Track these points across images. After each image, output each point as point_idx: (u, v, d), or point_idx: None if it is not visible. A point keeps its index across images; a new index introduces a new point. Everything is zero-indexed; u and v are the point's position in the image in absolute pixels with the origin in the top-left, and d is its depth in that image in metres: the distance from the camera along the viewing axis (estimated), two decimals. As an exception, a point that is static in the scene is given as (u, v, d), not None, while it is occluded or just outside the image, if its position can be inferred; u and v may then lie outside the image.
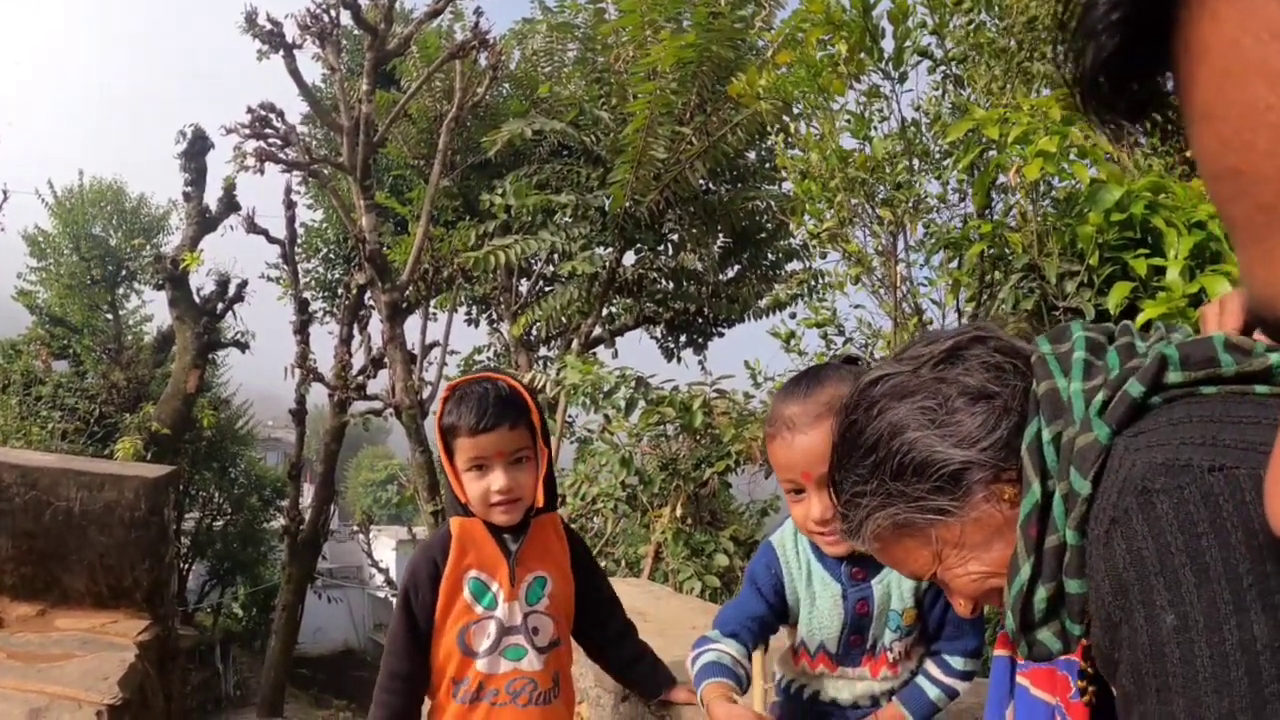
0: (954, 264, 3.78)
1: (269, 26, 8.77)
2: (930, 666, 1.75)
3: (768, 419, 1.64)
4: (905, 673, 1.76)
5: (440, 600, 2.03)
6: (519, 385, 2.07)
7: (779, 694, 1.89)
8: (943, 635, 1.75)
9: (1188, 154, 4.81)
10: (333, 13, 8.90)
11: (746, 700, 1.72)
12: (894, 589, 1.71)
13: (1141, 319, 2.63)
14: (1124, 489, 0.79)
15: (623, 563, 6.56)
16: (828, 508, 1.45)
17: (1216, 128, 0.39)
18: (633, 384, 5.57)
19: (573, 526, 7.04)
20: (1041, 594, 0.92)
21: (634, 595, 3.42)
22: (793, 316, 6.38)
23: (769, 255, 9.93)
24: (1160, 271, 2.81)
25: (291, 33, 8.84)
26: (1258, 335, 0.97)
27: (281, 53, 8.84)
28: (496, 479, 1.97)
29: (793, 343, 5.38)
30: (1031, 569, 0.92)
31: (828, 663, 1.76)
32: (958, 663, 1.73)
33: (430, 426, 9.17)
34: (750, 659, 1.76)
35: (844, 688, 1.77)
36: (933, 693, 1.72)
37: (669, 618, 3.11)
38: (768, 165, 9.59)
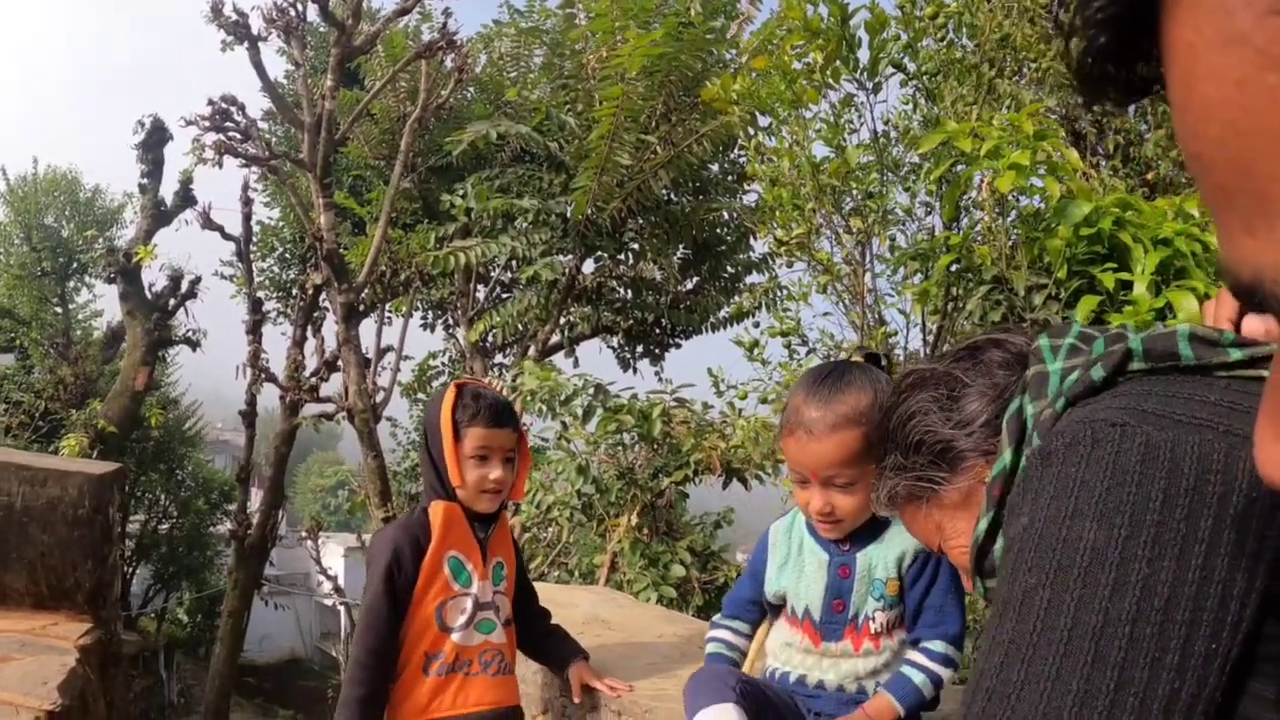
0: (917, 277, 3.79)
1: (235, 17, 8.64)
2: (913, 654, 1.78)
3: (786, 410, 1.74)
4: (886, 651, 1.80)
5: (421, 577, 2.22)
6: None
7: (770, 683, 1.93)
8: (923, 621, 1.79)
9: (1148, 177, 4.88)
10: (299, 7, 8.79)
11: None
12: (877, 559, 1.79)
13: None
14: (1044, 436, 0.92)
15: (576, 572, 6.50)
16: (825, 503, 1.69)
17: (1183, 118, 0.44)
18: (591, 391, 5.53)
19: (527, 534, 7.00)
20: (1001, 544, 1.01)
21: (596, 603, 3.37)
22: (756, 325, 6.39)
23: (728, 267, 9.95)
24: (1127, 286, 2.83)
25: (257, 25, 8.73)
26: (1246, 323, 1.06)
27: (246, 45, 8.71)
28: (495, 469, 2.26)
29: (755, 352, 5.37)
30: (989, 522, 1.04)
31: (812, 633, 1.83)
32: (939, 646, 1.77)
33: (383, 431, 9.07)
34: (751, 636, 2.01)
35: (829, 668, 1.82)
36: (918, 678, 1.75)
37: (633, 625, 3.06)
38: (730, 178, 9.61)
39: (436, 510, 2.26)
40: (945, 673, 1.76)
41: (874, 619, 1.79)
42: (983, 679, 0.85)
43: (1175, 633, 0.75)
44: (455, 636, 2.23)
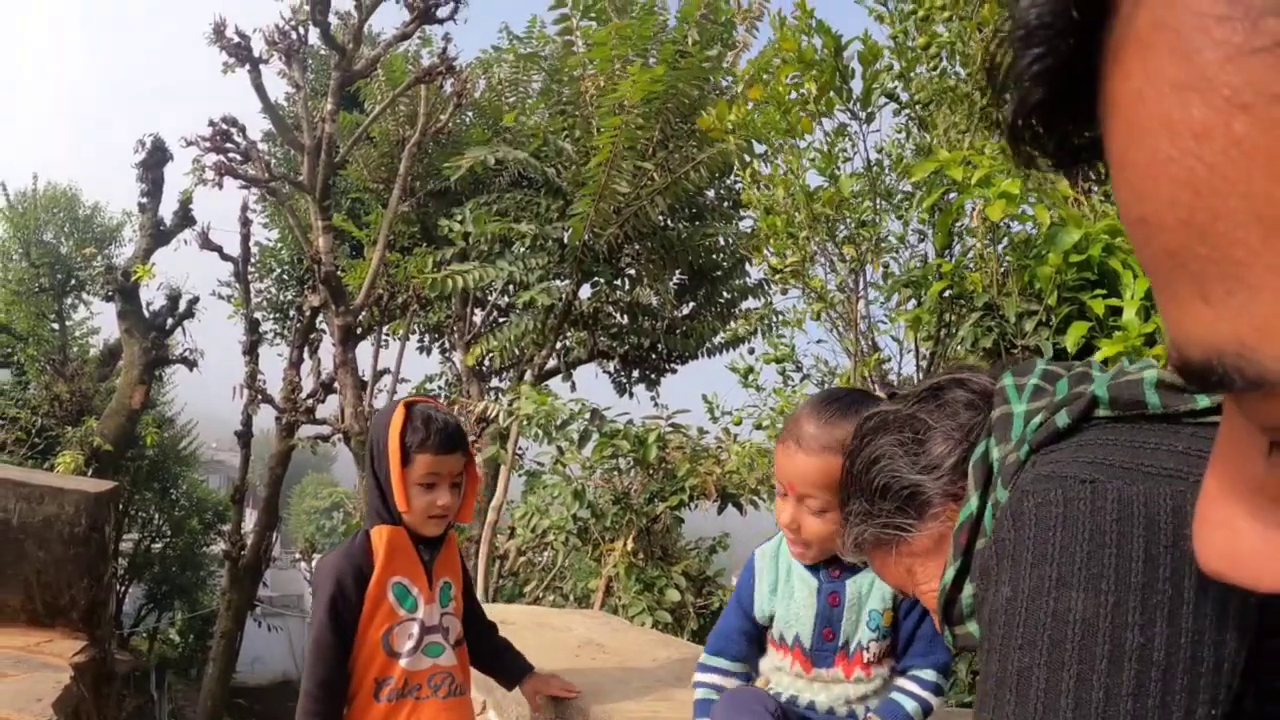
0: (910, 303, 3.82)
1: (236, 39, 8.69)
2: (904, 681, 1.79)
3: (789, 420, 1.72)
4: (879, 678, 1.80)
5: (365, 605, 2.21)
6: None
7: None
8: (914, 651, 1.80)
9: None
10: (301, 30, 8.84)
11: None
12: (868, 588, 1.79)
13: (1099, 358, 2.67)
14: (1012, 494, 0.90)
15: (571, 596, 6.50)
16: (794, 518, 1.68)
17: (1127, 177, 0.39)
18: (587, 416, 5.55)
19: (523, 558, 6.94)
20: (968, 591, 1.02)
21: (591, 627, 3.38)
22: (751, 352, 6.42)
23: (724, 293, 9.96)
24: (1117, 312, 2.86)
25: (258, 47, 8.78)
26: None
27: (247, 67, 8.76)
28: (442, 496, 2.22)
29: (750, 378, 5.41)
30: (956, 571, 1.03)
31: (802, 660, 1.81)
32: (930, 675, 1.78)
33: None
34: (740, 669, 1.89)
35: (819, 690, 1.81)
36: (909, 705, 1.76)
37: (629, 649, 3.07)
38: (726, 204, 9.65)
39: (380, 535, 2.24)
40: (936, 701, 1.77)
41: (868, 649, 1.79)
42: None
43: (1177, 703, 0.74)
44: (403, 662, 2.23)
